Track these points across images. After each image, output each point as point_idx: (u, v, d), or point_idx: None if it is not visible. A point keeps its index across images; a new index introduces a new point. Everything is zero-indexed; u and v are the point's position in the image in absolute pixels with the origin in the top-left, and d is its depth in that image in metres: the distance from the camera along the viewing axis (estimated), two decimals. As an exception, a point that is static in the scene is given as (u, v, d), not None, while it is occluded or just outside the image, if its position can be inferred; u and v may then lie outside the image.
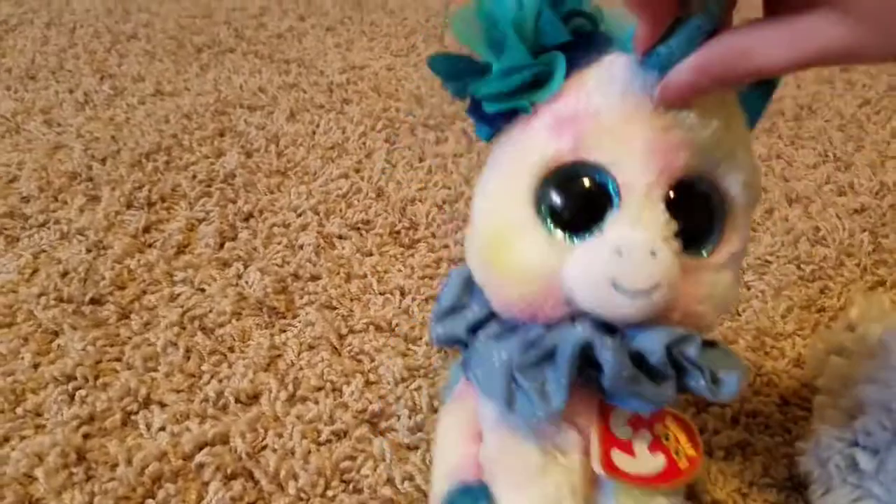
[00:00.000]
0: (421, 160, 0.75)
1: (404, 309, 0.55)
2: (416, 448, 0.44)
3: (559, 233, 0.30)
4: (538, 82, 0.30)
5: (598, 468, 0.32)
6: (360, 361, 0.50)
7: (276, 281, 0.56)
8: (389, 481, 0.42)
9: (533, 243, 0.30)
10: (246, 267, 0.57)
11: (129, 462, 0.41)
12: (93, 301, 0.53)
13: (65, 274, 0.55)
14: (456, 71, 0.31)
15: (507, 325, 0.32)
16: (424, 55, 1.02)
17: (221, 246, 0.59)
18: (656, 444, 0.32)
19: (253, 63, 0.95)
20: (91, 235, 0.59)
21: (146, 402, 0.45)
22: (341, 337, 0.52)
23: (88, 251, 0.58)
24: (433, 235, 0.64)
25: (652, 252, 0.28)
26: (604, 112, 0.29)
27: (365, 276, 0.58)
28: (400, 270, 0.59)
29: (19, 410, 0.44)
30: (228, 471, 0.41)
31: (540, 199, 0.30)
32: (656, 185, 0.29)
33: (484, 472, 0.34)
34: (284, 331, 0.52)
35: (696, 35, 0.27)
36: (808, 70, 0.26)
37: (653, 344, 0.29)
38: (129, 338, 0.50)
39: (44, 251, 0.57)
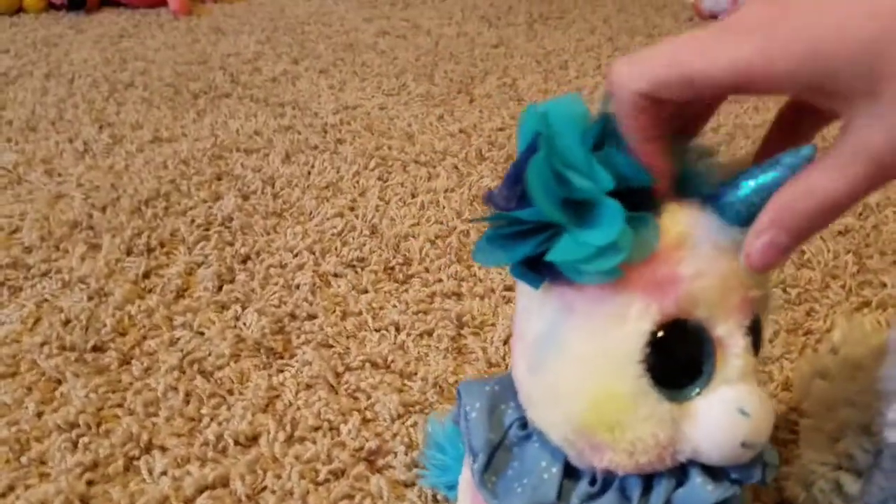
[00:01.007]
0: (413, 196, 0.77)
1: (399, 345, 0.56)
2: (413, 485, 0.45)
3: (672, 395, 0.30)
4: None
5: None
6: (356, 399, 0.51)
7: (274, 321, 0.57)
8: (387, 517, 0.43)
9: (649, 415, 0.29)
10: (244, 309, 0.58)
11: (132, 507, 0.42)
12: (95, 348, 0.54)
13: (67, 322, 0.56)
14: (531, 225, 0.28)
15: (596, 482, 0.32)
16: (415, 94, 1.05)
17: (220, 289, 0.61)
18: None
19: (248, 107, 0.97)
20: (92, 283, 0.61)
21: (148, 448, 0.46)
22: (338, 375, 0.53)
23: (90, 299, 0.59)
24: (426, 270, 0.65)
25: (764, 403, 0.30)
26: (703, 276, 0.29)
27: (360, 312, 0.59)
28: (395, 306, 0.60)
29: (24, 459, 0.45)
30: (229, 512, 0.42)
31: (650, 366, 0.29)
32: (747, 333, 0.30)
33: None
34: (282, 371, 0.53)
35: (775, 186, 0.26)
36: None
37: (756, 470, 0.31)
38: (131, 383, 0.51)
39: (46, 300, 0.59)
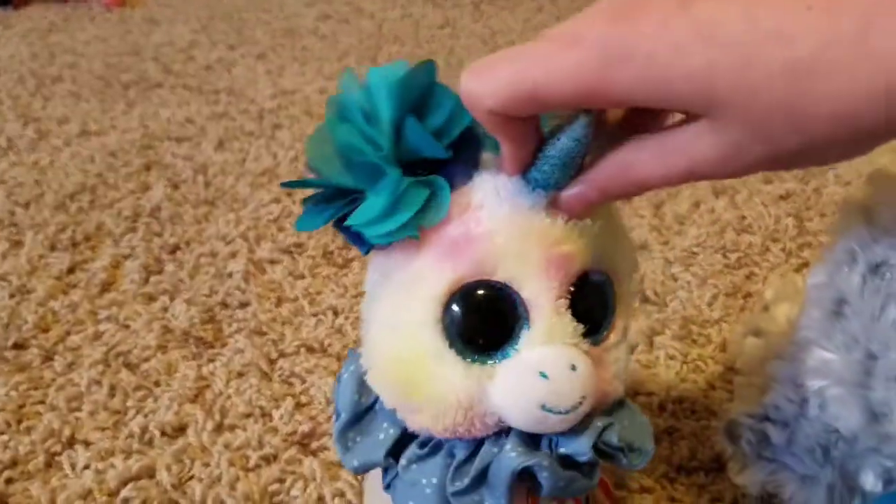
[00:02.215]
0: (352, 180, 0.76)
1: (337, 328, 0.55)
2: (347, 464, 0.44)
3: (473, 357, 0.29)
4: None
5: None
6: (290, 384, 0.50)
7: (204, 311, 0.55)
8: (320, 500, 0.42)
9: (449, 376, 0.29)
10: (172, 300, 0.57)
11: (52, 503, 0.41)
12: (16, 346, 0.52)
13: (-13, 321, 0.54)
14: (328, 198, 0.29)
15: (429, 446, 0.32)
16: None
17: (147, 280, 0.59)
18: None
19: (181, 96, 0.95)
20: (14, 280, 0.58)
21: (70, 442, 0.45)
22: (271, 362, 0.52)
23: (11, 296, 0.57)
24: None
25: (572, 366, 0.29)
26: (498, 233, 0.29)
27: (297, 298, 0.58)
28: (333, 290, 0.59)
29: (-62, 463, 0.43)
30: (155, 503, 0.41)
31: (447, 327, 0.29)
32: (560, 296, 0.29)
33: None
34: (213, 360, 0.52)
35: (567, 157, 0.28)
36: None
37: (580, 447, 0.30)
38: (53, 379, 0.49)
39: (-35, 300, 0.57)
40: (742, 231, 0.68)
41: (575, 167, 0.28)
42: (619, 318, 0.32)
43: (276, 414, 0.47)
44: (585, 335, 0.30)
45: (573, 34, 0.24)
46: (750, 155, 0.24)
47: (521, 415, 0.29)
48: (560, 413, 0.29)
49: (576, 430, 0.30)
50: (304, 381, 0.50)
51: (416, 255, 0.29)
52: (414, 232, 0.28)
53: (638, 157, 0.26)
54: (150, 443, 0.45)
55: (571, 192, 0.28)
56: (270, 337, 0.54)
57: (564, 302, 0.29)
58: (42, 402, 0.48)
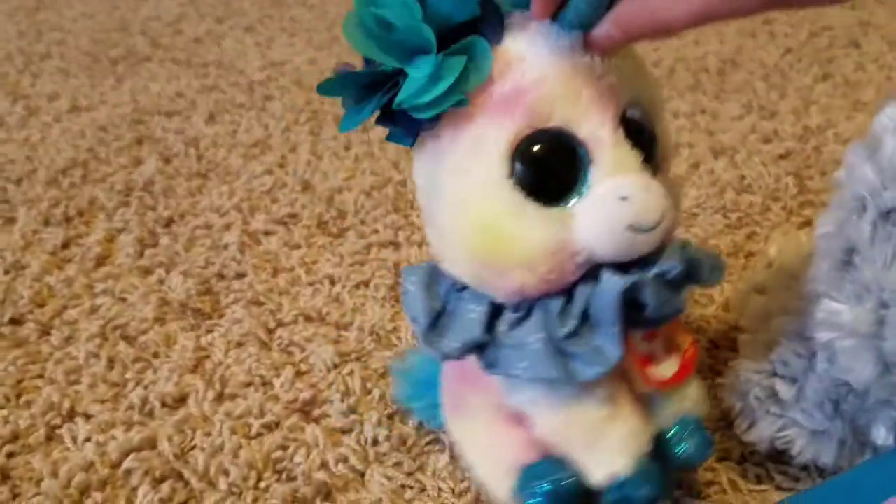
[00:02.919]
0: (347, 149, 0.75)
1: (334, 297, 0.54)
2: (350, 431, 0.43)
3: (550, 202, 0.31)
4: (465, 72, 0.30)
5: (643, 387, 0.35)
6: (290, 353, 0.49)
7: (200, 283, 0.55)
8: (323, 466, 0.41)
9: (532, 225, 0.30)
10: (168, 272, 0.56)
11: (54, 475, 0.40)
12: (12, 321, 0.51)
13: (-19, 298, 0.54)
14: (363, 87, 0.30)
15: (524, 307, 0.32)
16: (347, 46, 1.01)
17: (142, 254, 0.58)
18: (668, 347, 0.36)
19: (170, 70, 0.93)
20: (8, 257, 0.58)
21: (70, 415, 0.44)
22: (270, 331, 0.51)
23: (6, 272, 0.56)
24: (362, 222, 0.63)
25: (646, 187, 0.30)
26: (545, 79, 0.30)
27: (293, 268, 0.57)
28: (329, 260, 0.59)
29: (-63, 439, 0.43)
30: (157, 474, 0.40)
31: (518, 180, 0.30)
32: (615, 128, 0.31)
33: (553, 448, 0.35)
34: (211, 331, 0.51)
35: None
36: (726, 22, 0.29)
37: (671, 262, 0.31)
38: (51, 353, 0.49)
39: (-42, 278, 0.56)
40: (742, 191, 0.67)
41: (605, 5, 0.29)
42: (662, 149, 0.33)
43: (276, 382, 0.46)
44: (645, 159, 0.31)
45: None
46: None
47: (610, 241, 0.30)
48: (646, 230, 0.30)
49: (658, 252, 0.32)
50: (303, 350, 0.49)
51: (468, 123, 0.30)
52: (461, 97, 0.29)
53: (659, 4, 0.27)
54: (150, 414, 0.44)
55: (599, 31, 0.30)
56: (268, 307, 0.53)
57: (621, 132, 0.31)
58: (41, 377, 0.47)
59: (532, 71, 0.30)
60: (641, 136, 0.32)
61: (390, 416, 0.44)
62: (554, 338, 0.31)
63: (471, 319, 0.33)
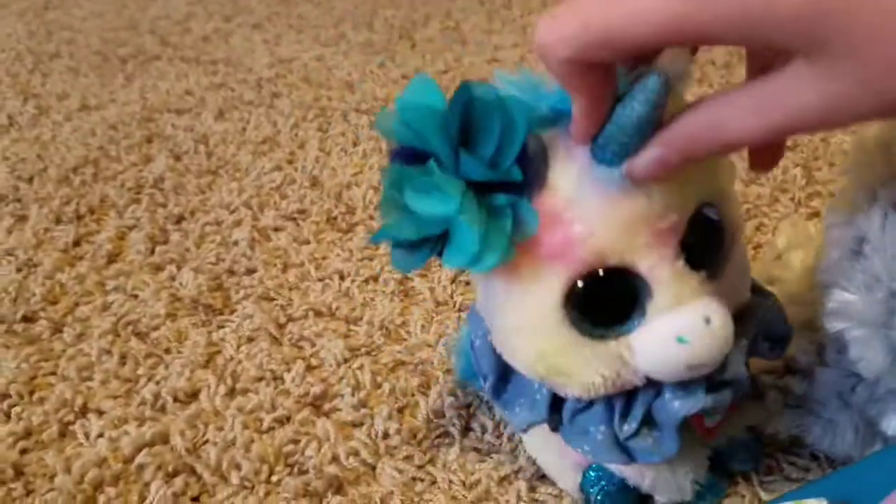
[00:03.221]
0: (355, 145, 0.75)
1: (344, 292, 0.55)
2: (361, 424, 0.44)
3: (607, 335, 0.30)
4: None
5: (701, 442, 0.36)
6: (300, 348, 0.50)
7: (211, 279, 0.55)
8: (335, 459, 0.41)
9: (589, 358, 0.30)
10: (179, 269, 0.56)
11: (67, 471, 0.40)
12: (25, 319, 0.52)
13: (-5, 296, 0.54)
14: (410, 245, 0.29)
15: (582, 401, 0.33)
16: (354, 42, 1.02)
17: (153, 251, 0.58)
18: None
19: (179, 68, 0.94)
20: (20, 255, 0.58)
21: (83, 411, 0.45)
22: (280, 326, 0.51)
23: (19, 270, 0.57)
24: (371, 217, 0.63)
25: (706, 320, 0.29)
26: (597, 230, 0.29)
27: (302, 264, 0.58)
28: (338, 255, 0.59)
29: (-48, 435, 0.43)
30: (170, 468, 0.41)
31: (574, 320, 0.30)
32: (675, 257, 0.29)
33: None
34: (222, 327, 0.51)
35: (641, 122, 0.26)
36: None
37: (735, 372, 0.32)
38: (63, 350, 0.49)
39: (-28, 276, 0.56)
40: (750, 182, 0.67)
41: (648, 133, 0.26)
42: (735, 230, 0.33)
43: (287, 377, 0.47)
44: (709, 269, 0.31)
45: None
46: (861, 105, 0.21)
47: (670, 376, 0.31)
48: (706, 368, 0.30)
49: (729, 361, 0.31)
50: (313, 345, 0.50)
51: (519, 272, 0.30)
52: (511, 255, 0.29)
53: (729, 114, 0.24)
54: (162, 409, 0.45)
55: (650, 156, 0.26)
56: (278, 302, 0.54)
57: (680, 261, 0.29)
58: (53, 373, 0.48)
59: (581, 222, 0.28)
60: (710, 238, 0.31)
61: (400, 410, 0.44)
62: (620, 437, 0.32)
63: (536, 400, 0.34)
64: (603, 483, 0.36)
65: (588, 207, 0.28)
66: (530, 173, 0.29)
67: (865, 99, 0.21)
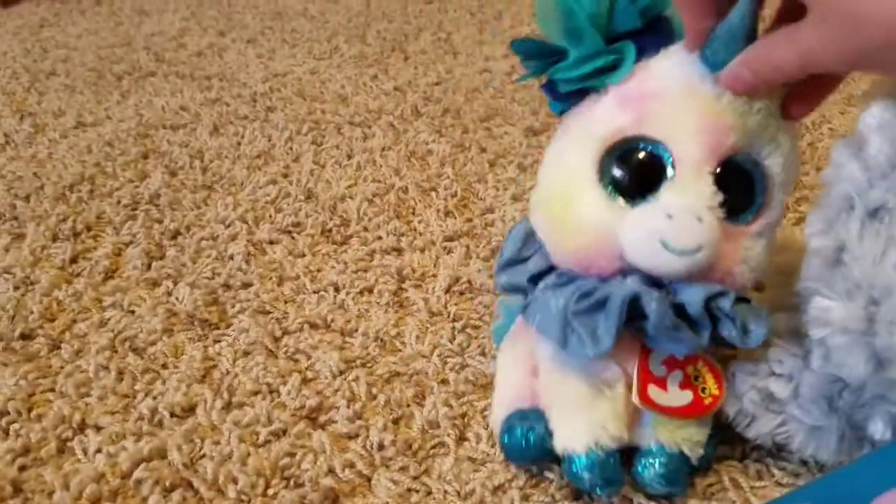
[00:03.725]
0: (349, 157, 0.76)
1: (339, 304, 0.55)
2: (357, 436, 0.44)
3: (619, 198, 0.34)
4: (611, 67, 0.35)
5: (635, 399, 0.37)
6: (296, 361, 0.50)
7: (207, 293, 0.56)
8: (331, 472, 0.42)
9: (593, 202, 0.35)
10: (175, 284, 0.57)
11: (66, 487, 0.41)
12: (23, 336, 0.52)
13: (-7, 314, 0.54)
14: (536, 53, 0.36)
15: (564, 277, 0.37)
16: (347, 56, 1.03)
17: (149, 266, 0.59)
18: (686, 383, 0.38)
19: (174, 83, 0.94)
20: (17, 272, 0.58)
21: (81, 428, 0.45)
22: (276, 339, 0.52)
23: (16, 288, 0.57)
24: (365, 229, 0.64)
25: (698, 217, 0.33)
26: (665, 95, 0.34)
27: (297, 277, 0.58)
28: (333, 267, 0.59)
29: (-48, 453, 0.44)
30: (167, 483, 0.41)
31: (603, 167, 0.35)
32: (706, 161, 0.34)
33: (540, 400, 0.40)
34: (218, 341, 0.52)
35: (732, 34, 0.32)
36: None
37: (693, 297, 0.34)
38: (61, 367, 0.49)
39: (-30, 294, 0.57)
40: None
41: (740, 45, 0.32)
42: (765, 215, 0.36)
43: (283, 390, 0.47)
44: (727, 214, 0.34)
45: None
46: (828, 51, 0.29)
47: (641, 247, 0.34)
48: (676, 253, 0.33)
49: (692, 284, 0.34)
50: (309, 357, 0.50)
51: (595, 106, 0.36)
52: (596, 83, 0.35)
53: (775, 43, 0.31)
54: (160, 424, 0.45)
55: (728, 69, 0.33)
56: (274, 315, 0.54)
57: (710, 168, 0.34)
58: (51, 390, 0.48)
59: (658, 83, 0.35)
60: (739, 184, 0.35)
61: (395, 421, 0.45)
62: (569, 310, 0.35)
63: (527, 269, 0.38)
64: (515, 425, 0.39)
65: (669, 77, 0.34)
66: (651, 39, 0.36)
67: (830, 46, 0.29)
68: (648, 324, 0.34)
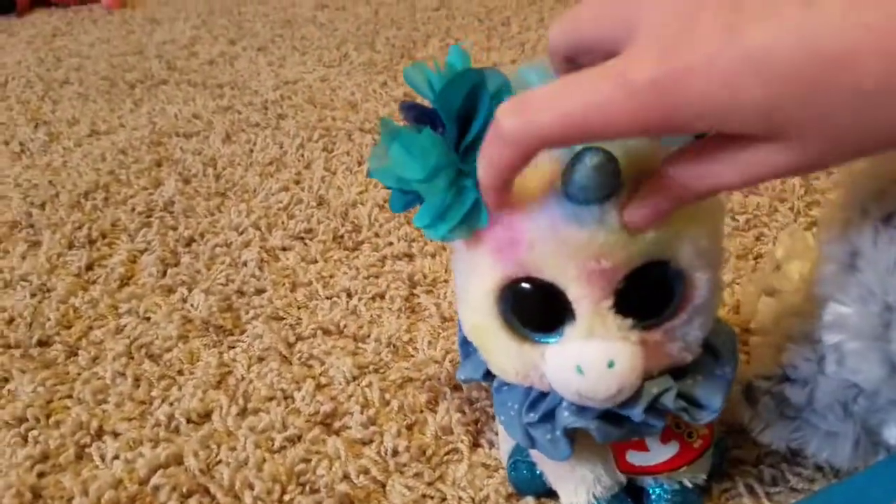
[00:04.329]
0: (360, 164, 0.76)
1: (352, 310, 0.56)
2: (371, 442, 0.44)
3: (527, 336, 0.32)
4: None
5: (616, 470, 0.37)
6: (310, 367, 0.50)
7: (222, 300, 0.56)
8: (346, 478, 0.42)
9: (506, 349, 0.33)
10: (190, 290, 0.57)
11: (84, 493, 0.41)
12: (40, 343, 0.53)
13: (10, 321, 0.55)
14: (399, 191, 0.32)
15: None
16: (357, 63, 1.03)
17: (164, 273, 0.60)
18: (669, 435, 0.37)
19: (186, 92, 0.95)
20: (34, 280, 0.59)
21: (99, 434, 0.46)
22: (290, 345, 0.52)
23: (33, 296, 0.58)
24: (376, 235, 0.64)
25: (609, 363, 0.30)
26: (536, 242, 0.30)
27: (310, 283, 0.59)
28: (345, 273, 0.60)
29: (-28, 459, 0.44)
30: (184, 489, 0.41)
31: (502, 312, 0.32)
32: (601, 298, 0.30)
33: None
34: (233, 347, 0.52)
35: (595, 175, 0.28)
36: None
37: (632, 413, 0.32)
38: (79, 374, 0.50)
39: (-13, 302, 0.57)
40: (749, 193, 0.68)
41: (612, 176, 0.28)
42: (690, 300, 0.31)
43: (297, 396, 0.48)
44: (642, 322, 0.31)
45: (622, 76, 0.23)
46: (828, 161, 0.24)
47: (565, 394, 0.32)
48: (597, 402, 0.31)
49: (629, 399, 0.32)
50: (322, 363, 0.50)
51: (473, 249, 0.32)
52: (466, 235, 0.32)
53: (716, 169, 0.26)
54: (176, 430, 0.46)
55: (644, 208, 0.28)
56: (287, 322, 0.55)
57: (607, 303, 0.30)
58: (69, 397, 0.48)
59: (527, 231, 0.30)
60: (651, 292, 0.31)
61: (409, 427, 0.45)
62: (523, 418, 0.35)
63: (480, 362, 0.36)
64: (520, 459, 0.40)
65: (536, 221, 0.30)
66: None
67: (828, 158, 0.24)
68: (596, 439, 0.33)
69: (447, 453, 0.43)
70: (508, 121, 0.25)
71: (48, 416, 0.47)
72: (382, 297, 0.57)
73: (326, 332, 0.53)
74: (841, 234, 0.34)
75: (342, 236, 0.64)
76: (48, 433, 0.46)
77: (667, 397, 0.32)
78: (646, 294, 0.31)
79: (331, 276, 0.59)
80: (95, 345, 0.53)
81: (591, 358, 0.30)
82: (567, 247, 0.29)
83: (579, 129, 0.24)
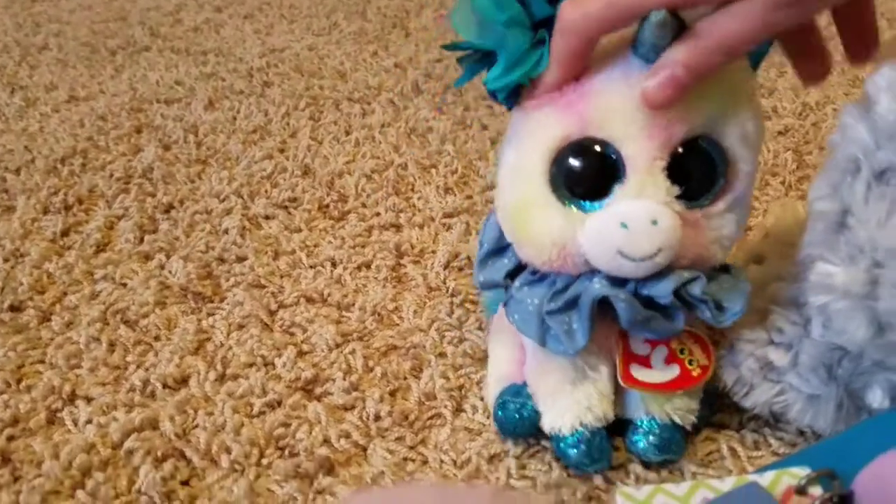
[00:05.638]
0: (347, 133, 0.75)
1: (336, 279, 0.54)
2: (353, 407, 0.44)
3: (573, 204, 0.33)
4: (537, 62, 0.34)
5: (620, 381, 0.37)
6: (292, 334, 0.49)
7: (201, 267, 0.55)
8: (326, 441, 0.41)
9: (549, 217, 0.34)
10: (168, 257, 0.56)
11: (55, 457, 0.40)
12: (12, 308, 0.52)
13: (-18, 286, 0.54)
14: (467, 56, 0.34)
15: (538, 274, 0.36)
16: (347, 32, 1.02)
17: (142, 240, 0.58)
18: (671, 357, 0.37)
19: (169, 58, 0.93)
20: (7, 245, 0.58)
21: (71, 399, 0.44)
22: (271, 313, 0.51)
23: (6, 260, 0.56)
24: (363, 205, 0.63)
25: (653, 221, 0.32)
26: (606, 94, 0.32)
27: (294, 251, 0.57)
28: (330, 242, 0.59)
29: (-60, 424, 0.43)
30: (159, 453, 0.40)
31: (553, 175, 0.33)
32: (657, 157, 0.32)
33: (528, 384, 0.40)
34: (212, 314, 0.51)
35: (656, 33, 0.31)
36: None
37: (661, 290, 0.33)
38: (51, 339, 0.49)
39: (-40, 267, 0.56)
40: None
41: (670, 36, 0.31)
42: (729, 190, 0.34)
43: (278, 362, 0.47)
44: (686, 198, 0.33)
45: None
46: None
47: (600, 257, 0.33)
48: (634, 260, 0.32)
49: (660, 276, 0.33)
50: (305, 331, 0.49)
51: (537, 110, 0.34)
52: (525, 82, 0.34)
53: (721, 25, 0.30)
54: (152, 395, 0.45)
55: (657, 78, 0.31)
56: (269, 290, 0.53)
57: (661, 163, 0.32)
58: (41, 361, 0.47)
59: (598, 82, 0.33)
60: (699, 168, 0.33)
61: (392, 393, 0.44)
62: (543, 309, 0.35)
63: (503, 264, 0.38)
64: (507, 400, 0.40)
65: (609, 74, 0.32)
66: None
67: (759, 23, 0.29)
68: (621, 322, 0.34)
69: (430, 418, 0.43)
70: (568, 13, 0.31)
71: (19, 381, 0.46)
72: (368, 266, 0.56)
73: (309, 300, 0.52)
74: (832, 192, 0.33)
75: (328, 206, 0.63)
76: (19, 398, 0.44)
77: (695, 285, 0.34)
78: (694, 168, 0.33)
79: (315, 246, 0.58)
80: (69, 310, 0.51)
81: (637, 213, 0.32)
82: (637, 96, 0.31)
83: (624, 9, 0.30)
